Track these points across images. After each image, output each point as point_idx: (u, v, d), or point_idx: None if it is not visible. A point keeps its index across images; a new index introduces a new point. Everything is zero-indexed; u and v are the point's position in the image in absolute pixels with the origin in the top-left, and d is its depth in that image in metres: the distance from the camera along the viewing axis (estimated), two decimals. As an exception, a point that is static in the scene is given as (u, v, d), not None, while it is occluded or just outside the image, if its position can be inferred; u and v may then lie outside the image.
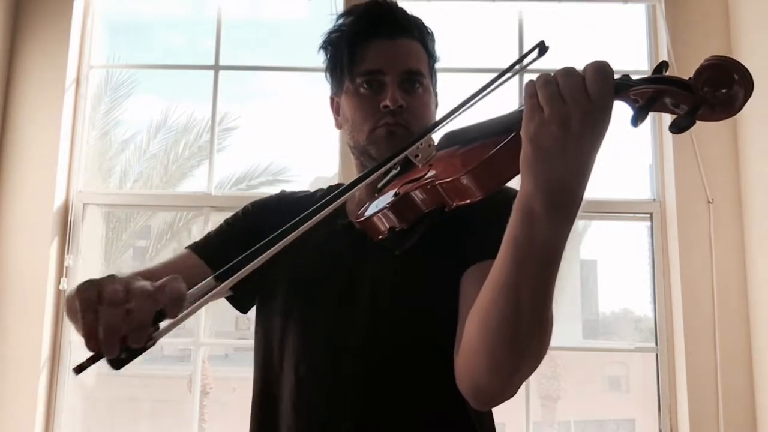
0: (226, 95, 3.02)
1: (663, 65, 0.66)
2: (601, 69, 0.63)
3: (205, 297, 0.69)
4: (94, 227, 2.91)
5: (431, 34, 1.06)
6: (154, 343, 0.63)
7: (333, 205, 0.77)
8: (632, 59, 2.96)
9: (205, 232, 1.14)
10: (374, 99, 0.99)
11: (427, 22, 1.07)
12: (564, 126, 0.63)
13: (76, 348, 2.69)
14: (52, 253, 2.64)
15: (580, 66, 0.66)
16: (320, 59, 1.10)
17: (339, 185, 1.14)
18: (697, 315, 2.54)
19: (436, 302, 0.93)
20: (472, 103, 0.82)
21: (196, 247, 1.07)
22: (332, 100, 1.11)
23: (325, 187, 1.17)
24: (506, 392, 0.81)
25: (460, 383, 0.86)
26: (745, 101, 0.61)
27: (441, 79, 1.10)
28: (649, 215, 2.77)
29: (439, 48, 1.08)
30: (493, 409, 0.95)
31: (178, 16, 3.54)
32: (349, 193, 0.80)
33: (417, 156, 0.86)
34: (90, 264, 2.86)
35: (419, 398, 0.94)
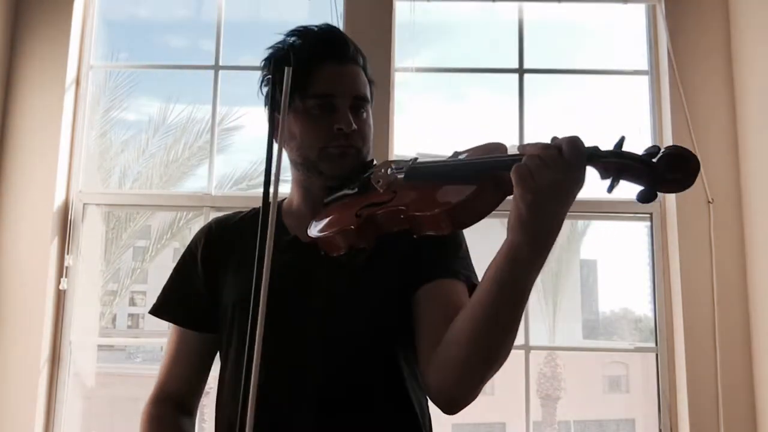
0: (226, 95, 3.02)
1: (622, 140, 0.77)
2: (573, 142, 0.76)
3: None
4: (94, 227, 2.90)
5: (366, 60, 1.12)
6: None
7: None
8: (632, 59, 2.97)
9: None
10: (326, 120, 1.03)
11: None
12: (556, 189, 0.75)
13: (76, 348, 2.69)
14: (52, 253, 2.64)
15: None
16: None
17: (258, 208, 1.15)
18: (697, 315, 2.54)
19: (387, 312, 1.02)
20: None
21: (174, 319, 1.14)
22: (271, 114, 1.11)
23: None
24: (474, 397, 0.93)
25: (432, 394, 0.96)
26: (692, 183, 0.75)
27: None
28: (649, 215, 2.77)
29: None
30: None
31: (178, 16, 3.54)
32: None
33: (378, 181, 0.95)
34: (90, 264, 2.86)
35: (370, 406, 1.00)
